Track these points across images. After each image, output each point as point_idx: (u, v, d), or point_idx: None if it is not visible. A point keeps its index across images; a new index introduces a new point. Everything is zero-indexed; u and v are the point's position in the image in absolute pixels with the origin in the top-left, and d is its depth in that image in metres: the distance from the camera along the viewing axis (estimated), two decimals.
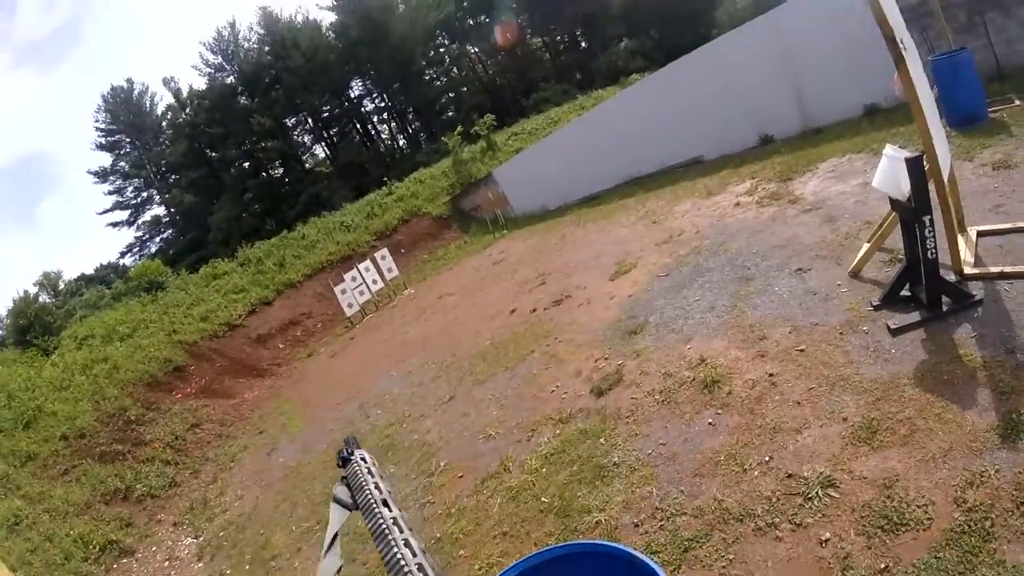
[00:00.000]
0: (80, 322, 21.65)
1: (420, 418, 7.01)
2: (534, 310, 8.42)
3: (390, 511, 0.88)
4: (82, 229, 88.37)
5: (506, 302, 9.63)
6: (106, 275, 45.15)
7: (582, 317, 7.19)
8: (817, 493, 3.01)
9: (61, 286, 46.73)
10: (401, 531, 0.81)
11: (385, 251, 17.51)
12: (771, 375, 4.12)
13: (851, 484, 2.97)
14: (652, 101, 13.25)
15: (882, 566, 2.52)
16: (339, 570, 0.94)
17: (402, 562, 0.73)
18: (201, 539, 7.42)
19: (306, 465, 7.81)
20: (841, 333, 4.17)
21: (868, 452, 3.10)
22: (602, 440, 4.50)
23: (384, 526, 0.82)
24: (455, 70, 50.30)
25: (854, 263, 4.88)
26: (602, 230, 11.20)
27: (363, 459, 1.07)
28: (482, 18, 47.56)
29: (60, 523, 8.09)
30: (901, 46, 3.62)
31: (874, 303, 4.27)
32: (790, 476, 3.22)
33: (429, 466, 5.72)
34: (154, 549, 7.70)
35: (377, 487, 0.96)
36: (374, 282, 16.50)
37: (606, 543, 2.15)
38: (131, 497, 9.09)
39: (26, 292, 39.77)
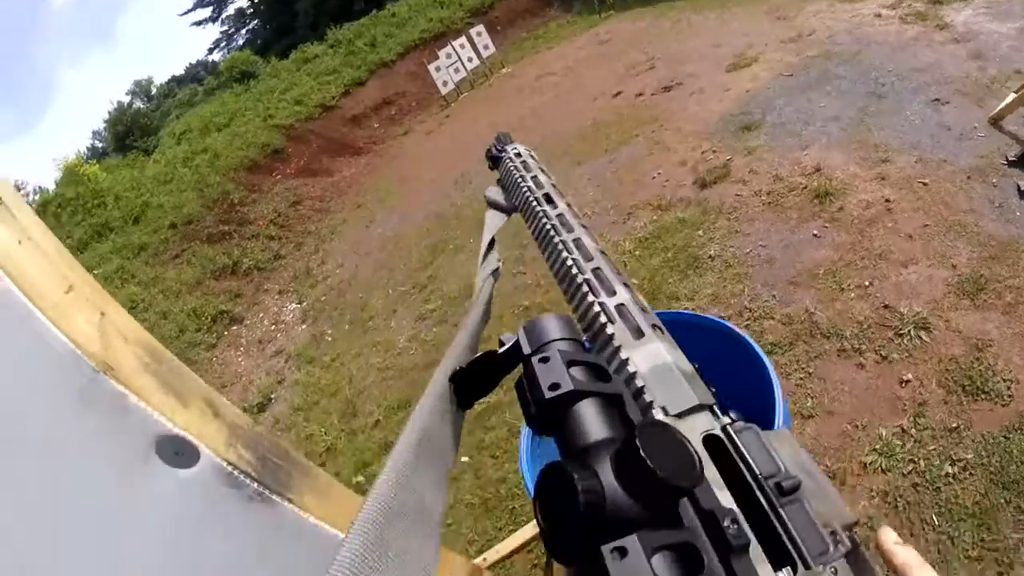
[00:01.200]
0: (177, 120, 22.22)
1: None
2: (640, 94, 8.03)
3: (554, 207, 0.70)
4: (165, 34, 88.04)
5: (611, 85, 9.17)
6: (196, 73, 45.39)
7: (692, 106, 6.82)
8: (910, 332, 2.95)
9: (153, 91, 47.55)
10: (571, 230, 0.65)
11: (481, 27, 16.60)
12: (887, 200, 3.90)
13: (944, 334, 2.88)
14: None
15: (953, 425, 2.51)
16: (496, 272, 0.82)
17: (573, 270, 0.59)
18: (304, 304, 7.97)
19: (403, 236, 8.12)
20: (968, 177, 3.84)
21: (969, 307, 2.97)
22: (700, 232, 4.47)
23: (548, 225, 0.67)
24: None
25: (997, 109, 4.29)
26: (721, 19, 10.19)
27: (517, 153, 0.87)
28: None
29: (174, 301, 8.80)
30: None
31: (1010, 157, 3.85)
32: (886, 307, 3.14)
33: (521, 239, 5.85)
34: (261, 315, 8.34)
35: (536, 180, 0.78)
36: (469, 60, 15.86)
37: (708, 316, 2.08)
38: (239, 271, 9.72)
39: (119, 102, 40.52)
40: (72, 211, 13.20)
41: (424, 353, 5.13)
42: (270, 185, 13.28)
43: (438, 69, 15.46)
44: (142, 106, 41.09)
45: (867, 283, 3.35)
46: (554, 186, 0.78)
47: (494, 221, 0.92)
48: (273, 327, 7.85)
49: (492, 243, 0.88)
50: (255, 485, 0.63)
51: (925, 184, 3.94)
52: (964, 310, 2.99)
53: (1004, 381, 2.60)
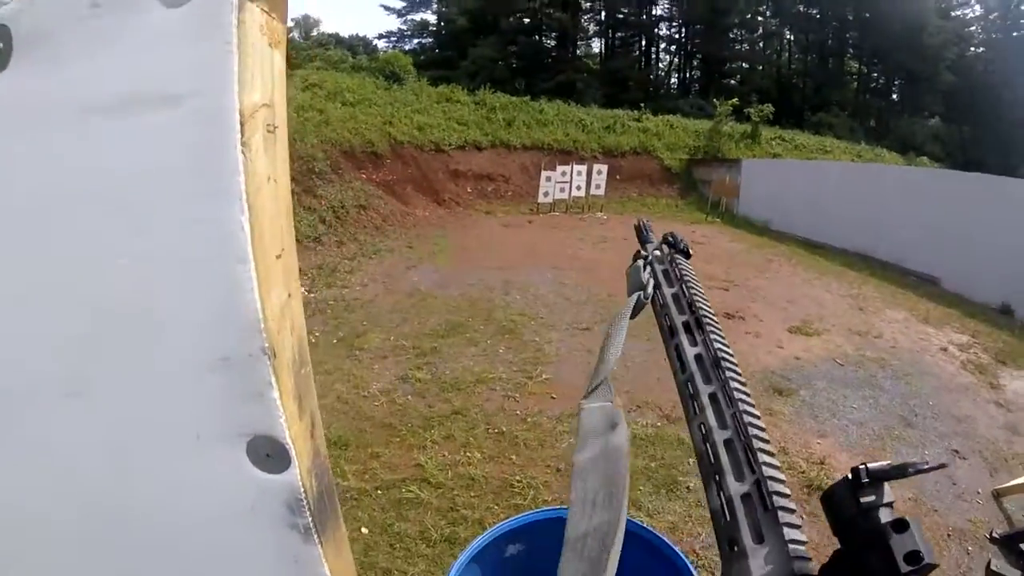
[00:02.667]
0: (316, 70, 23.09)
1: (548, 327, 7.14)
2: None
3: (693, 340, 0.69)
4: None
5: None
6: (355, 45, 47.64)
7: (742, 343, 6.93)
8: None
9: (314, 33, 50.15)
10: (708, 381, 0.63)
11: (604, 168, 17.41)
12: None
13: None
14: (929, 197, 12.11)
15: None
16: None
17: (702, 444, 0.57)
18: (311, 294, 7.98)
19: (433, 297, 8.16)
20: (948, 535, 3.87)
21: None
22: (691, 461, 4.41)
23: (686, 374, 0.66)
24: (761, 45, 47.51)
25: (1005, 484, 4.36)
26: (808, 281, 10.62)
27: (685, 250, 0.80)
28: (813, 11, 44.22)
29: None
30: None
31: (994, 534, 3.82)
32: None
33: (532, 370, 5.87)
34: None
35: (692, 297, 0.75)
36: (578, 188, 16.58)
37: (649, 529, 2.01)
38: None
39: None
40: None
41: (387, 410, 5.01)
42: (352, 178, 13.65)
43: (548, 179, 16.13)
44: (297, 38, 43.34)
45: None
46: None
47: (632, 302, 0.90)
48: None
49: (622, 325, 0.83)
50: (308, 518, 0.62)
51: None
52: None
53: None
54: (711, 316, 0.79)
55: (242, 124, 0.55)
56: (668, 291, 0.85)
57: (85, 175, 0.58)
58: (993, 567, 2.91)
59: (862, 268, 12.10)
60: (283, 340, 0.61)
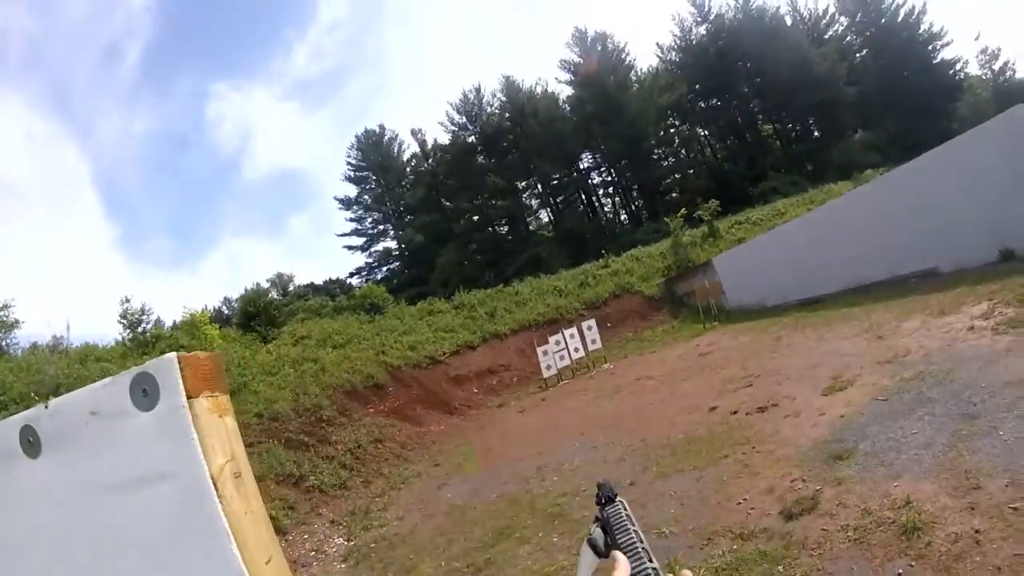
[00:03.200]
0: (301, 323, 24.05)
1: (593, 497, 6.97)
2: (735, 412, 8.13)
3: (652, 563, 0.79)
4: (320, 244, 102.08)
5: (707, 398, 9.38)
6: (332, 288, 50.80)
7: (786, 430, 6.81)
8: None
9: (291, 288, 53.53)
10: None
11: (592, 322, 17.90)
12: (976, 531, 3.69)
13: None
14: (886, 202, 12.58)
15: None
16: None
17: None
18: (352, 543, 7.84)
19: (472, 508, 8.02)
20: None
21: None
22: (780, 568, 4.27)
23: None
24: (683, 152, 50.83)
25: None
26: (821, 338, 10.61)
27: (624, 505, 0.96)
28: (714, 101, 47.86)
29: None
30: None
31: None
32: None
33: None
34: (306, 537, 8.24)
35: (639, 535, 0.87)
36: (576, 350, 16.89)
37: None
38: (301, 485, 9.83)
39: (258, 285, 46.03)
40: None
41: None
42: (361, 415, 13.83)
43: (545, 353, 16.45)
44: (276, 297, 45.75)
45: None
46: (648, 548, 0.88)
47: (587, 560, 0.98)
48: (313, 553, 7.70)
49: None
50: None
51: (1016, 509, 3.72)
52: None
53: None
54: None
55: (214, 481, 0.77)
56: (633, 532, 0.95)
57: (114, 534, 0.82)
58: None
59: (862, 300, 12.19)
60: None
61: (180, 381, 0.81)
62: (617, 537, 0.93)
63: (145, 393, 0.82)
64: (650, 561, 0.84)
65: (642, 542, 0.89)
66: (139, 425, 0.81)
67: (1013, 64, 46.40)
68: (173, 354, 0.82)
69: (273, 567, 0.84)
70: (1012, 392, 5.36)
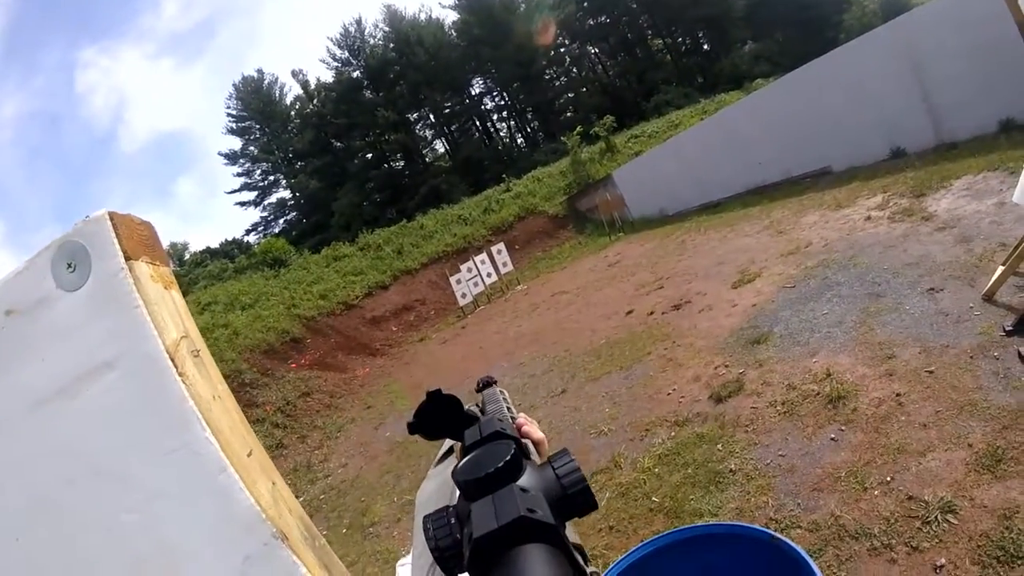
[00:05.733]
0: (204, 290, 23.01)
1: (530, 408, 7.06)
2: (651, 313, 8.38)
3: (513, 412, 0.89)
4: (211, 206, 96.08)
5: (622, 303, 9.62)
6: (230, 250, 47.99)
7: (703, 323, 7.09)
8: (936, 518, 2.93)
9: (187, 257, 50.41)
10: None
11: (501, 245, 17.88)
12: (898, 395, 3.98)
13: (971, 511, 2.88)
14: (778, 108, 12.92)
15: None
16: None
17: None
18: (301, 499, 7.65)
19: (412, 442, 7.95)
20: (971, 357, 3.98)
21: (991, 481, 2.98)
22: (719, 446, 4.47)
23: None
24: (575, 70, 50.54)
25: (988, 286, 4.59)
26: (724, 238, 11.01)
27: (500, 389, 1.02)
28: (603, 18, 47.59)
29: None
30: None
31: (1007, 327, 4.05)
32: (910, 498, 3.14)
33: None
34: None
35: (509, 406, 0.93)
36: (488, 275, 16.88)
37: (743, 524, 2.02)
38: None
39: None
40: None
41: None
42: (283, 372, 13.51)
43: (458, 282, 16.34)
44: (174, 268, 43.09)
45: (889, 478, 3.33)
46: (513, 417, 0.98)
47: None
48: None
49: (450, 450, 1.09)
50: None
51: (931, 372, 4.01)
52: (986, 485, 2.95)
53: None
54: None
55: (172, 359, 0.62)
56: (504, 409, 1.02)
57: (61, 458, 0.64)
58: (1021, 351, 3.14)
59: (760, 200, 12.67)
60: (287, 522, 0.65)
61: (115, 241, 0.63)
62: (488, 407, 1.00)
63: (71, 267, 0.64)
64: (512, 420, 0.93)
65: (511, 410, 0.99)
66: (68, 309, 0.63)
67: None
68: (103, 210, 0.64)
69: (257, 459, 0.70)
70: (913, 271, 5.69)
